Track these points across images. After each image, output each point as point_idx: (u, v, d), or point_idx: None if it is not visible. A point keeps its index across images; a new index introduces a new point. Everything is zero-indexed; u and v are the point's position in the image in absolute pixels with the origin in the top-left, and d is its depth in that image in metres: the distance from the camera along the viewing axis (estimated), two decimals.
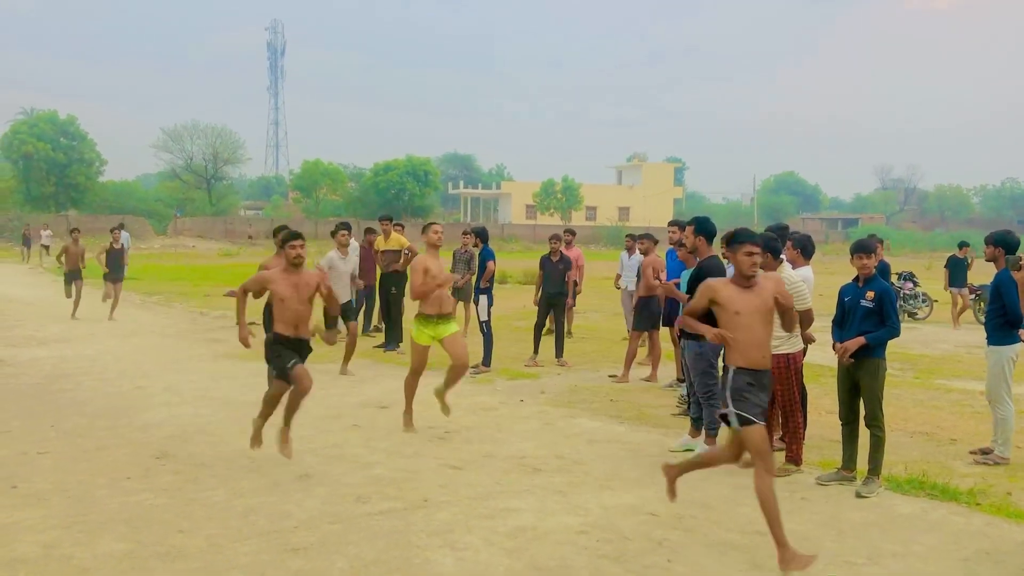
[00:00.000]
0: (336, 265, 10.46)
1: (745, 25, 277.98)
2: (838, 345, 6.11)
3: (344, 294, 10.33)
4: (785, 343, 6.39)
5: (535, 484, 6.08)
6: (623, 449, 7.12)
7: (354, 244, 11.30)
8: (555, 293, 11.51)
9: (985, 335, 6.97)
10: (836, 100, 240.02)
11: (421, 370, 7.68)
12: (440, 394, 7.62)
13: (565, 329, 12.07)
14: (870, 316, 6.05)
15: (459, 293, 12.60)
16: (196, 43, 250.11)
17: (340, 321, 7.97)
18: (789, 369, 6.40)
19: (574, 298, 13.43)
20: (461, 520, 5.31)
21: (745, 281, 4.85)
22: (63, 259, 17.15)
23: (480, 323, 10.99)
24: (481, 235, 11.60)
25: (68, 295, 16.47)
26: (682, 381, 8.70)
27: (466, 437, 7.40)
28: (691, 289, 7.13)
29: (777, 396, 6.53)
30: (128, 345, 12.92)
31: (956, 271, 17.24)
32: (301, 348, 6.52)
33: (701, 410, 6.97)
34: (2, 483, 5.93)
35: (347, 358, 10.45)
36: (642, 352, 10.98)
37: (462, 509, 5.52)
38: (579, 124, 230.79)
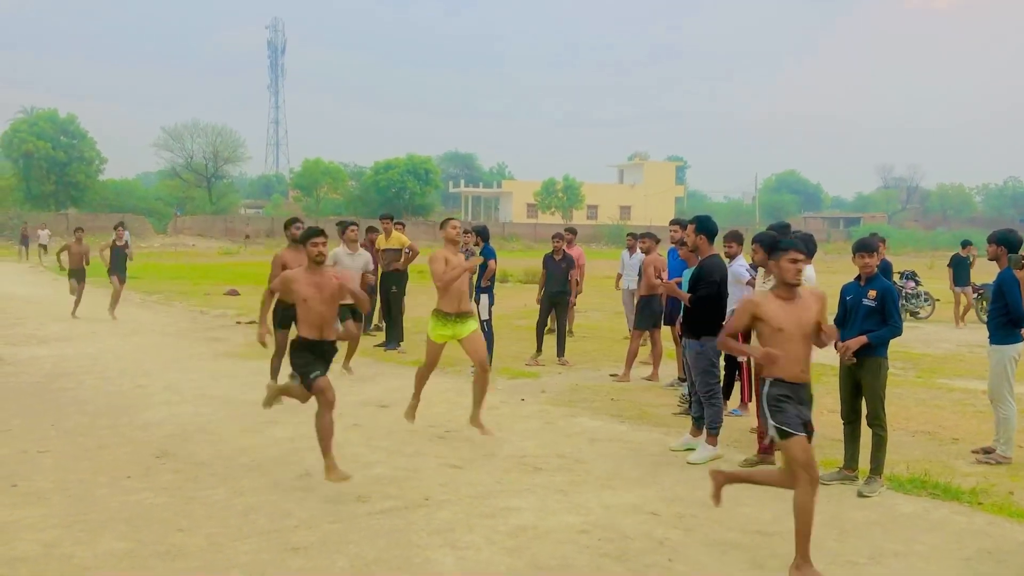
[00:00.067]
0: (342, 261, 10.44)
1: (746, 24, 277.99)
2: (840, 344, 6.09)
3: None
4: None
5: (536, 483, 6.07)
6: (624, 448, 7.11)
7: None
8: (557, 292, 11.50)
9: (987, 334, 6.96)
10: (838, 99, 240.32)
11: (434, 366, 7.55)
12: (475, 419, 7.29)
13: (566, 328, 12.06)
14: (872, 315, 6.04)
15: None
16: (197, 41, 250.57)
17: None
18: None
19: (575, 297, 13.41)
20: (462, 519, 5.30)
21: (787, 293, 4.65)
22: (62, 258, 17.13)
23: (481, 322, 10.96)
24: (482, 234, 11.58)
25: (72, 291, 16.49)
26: (683, 380, 8.69)
27: (467, 436, 7.39)
28: (692, 288, 7.13)
29: None
30: (129, 344, 12.91)
31: (959, 270, 17.22)
32: (326, 352, 6.17)
33: (702, 409, 6.96)
34: (2, 481, 5.92)
35: (349, 355, 10.45)
36: (643, 351, 10.97)
37: (463, 508, 5.51)
38: (580, 123, 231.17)
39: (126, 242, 16.47)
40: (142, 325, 15.24)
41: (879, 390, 6.04)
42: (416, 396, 7.57)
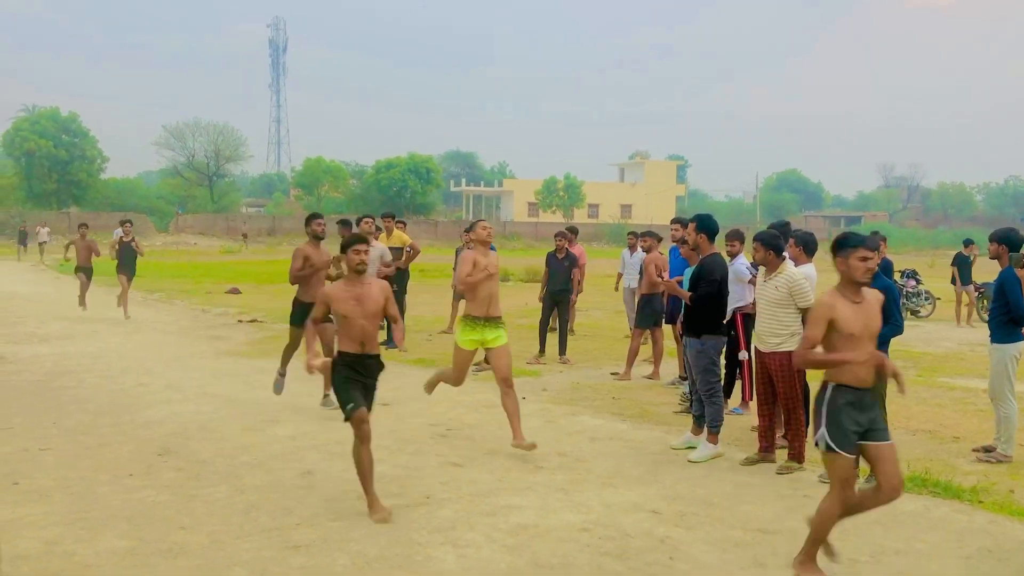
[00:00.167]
0: None
1: (747, 23, 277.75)
2: None
3: None
4: (788, 341, 6.39)
5: (537, 481, 6.08)
6: (625, 447, 7.11)
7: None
8: (560, 290, 11.51)
9: (988, 333, 6.96)
10: (838, 98, 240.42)
11: (462, 374, 7.04)
12: (518, 438, 6.71)
13: (568, 327, 12.06)
14: None
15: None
16: (198, 40, 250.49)
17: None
18: (792, 367, 6.38)
19: (575, 296, 13.41)
20: (463, 517, 5.30)
21: (855, 294, 4.41)
22: (70, 250, 17.36)
23: None
24: None
25: (81, 284, 16.65)
26: (684, 379, 8.69)
27: (468, 434, 7.40)
28: (693, 286, 7.13)
29: (780, 394, 6.53)
30: (130, 342, 12.92)
31: (962, 269, 17.21)
32: (369, 367, 5.63)
33: (703, 408, 6.96)
34: (4, 479, 5.93)
35: None
36: (644, 350, 10.98)
37: (464, 506, 5.52)
38: (581, 122, 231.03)
39: (133, 238, 16.51)
40: (144, 323, 15.26)
41: (880, 389, 6.03)
42: (435, 383, 7.33)
